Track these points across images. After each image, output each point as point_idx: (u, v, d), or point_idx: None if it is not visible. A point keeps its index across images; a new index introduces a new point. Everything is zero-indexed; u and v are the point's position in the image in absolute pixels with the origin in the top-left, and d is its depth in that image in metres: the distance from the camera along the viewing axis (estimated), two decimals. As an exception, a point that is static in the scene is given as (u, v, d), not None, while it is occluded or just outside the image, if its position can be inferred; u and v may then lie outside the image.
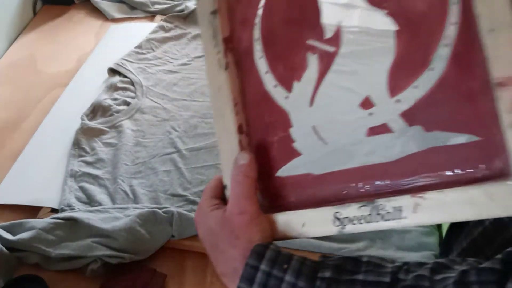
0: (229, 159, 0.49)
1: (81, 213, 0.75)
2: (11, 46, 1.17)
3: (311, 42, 0.48)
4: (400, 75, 0.43)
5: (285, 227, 0.47)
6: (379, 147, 0.44)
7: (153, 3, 1.29)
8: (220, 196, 0.51)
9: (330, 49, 0.47)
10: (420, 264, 0.43)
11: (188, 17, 1.23)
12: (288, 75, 0.49)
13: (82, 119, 0.94)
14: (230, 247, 0.46)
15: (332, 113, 0.47)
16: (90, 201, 0.80)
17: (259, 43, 0.50)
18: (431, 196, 0.40)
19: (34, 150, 0.91)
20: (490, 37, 0.38)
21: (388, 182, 0.44)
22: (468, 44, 0.40)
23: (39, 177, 0.85)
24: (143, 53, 1.12)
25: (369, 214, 0.43)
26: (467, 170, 0.40)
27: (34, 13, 1.28)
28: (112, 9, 1.28)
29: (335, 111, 0.47)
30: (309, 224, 0.46)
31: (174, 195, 0.82)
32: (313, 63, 0.48)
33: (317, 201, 0.47)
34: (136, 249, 0.72)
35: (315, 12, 0.47)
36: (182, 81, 1.06)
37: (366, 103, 0.45)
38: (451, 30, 0.40)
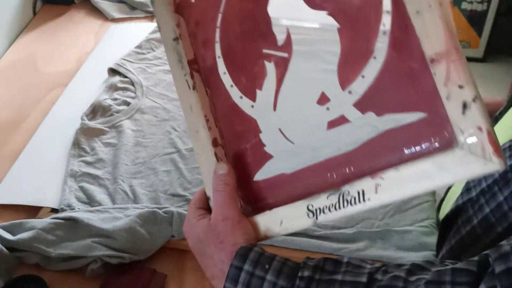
0: (209, 171, 0.53)
1: (81, 213, 0.75)
2: (11, 46, 1.17)
3: (266, 51, 0.51)
4: (348, 68, 0.46)
5: (265, 227, 0.51)
6: (340, 138, 0.47)
7: (153, 3, 1.29)
8: (205, 207, 0.54)
9: (284, 54, 0.50)
10: (398, 266, 0.45)
11: (188, 17, 1.23)
12: (250, 85, 0.52)
13: (82, 119, 0.94)
14: (217, 251, 0.49)
15: (294, 114, 0.50)
16: (90, 201, 0.80)
17: (221, 60, 0.54)
18: (389, 175, 0.43)
19: (34, 150, 0.91)
20: (417, 19, 0.41)
21: (352, 169, 0.47)
22: (402, 28, 0.42)
23: (39, 177, 0.85)
24: (143, 53, 1.12)
25: (337, 202, 0.46)
26: (422, 146, 0.43)
27: (34, 13, 1.28)
28: (112, 9, 1.28)
29: (296, 111, 0.50)
30: (286, 221, 0.50)
31: (174, 195, 0.82)
32: (270, 70, 0.51)
33: (293, 198, 0.50)
34: (136, 249, 0.71)
35: (266, 21, 0.50)
36: (182, 81, 1.05)
37: (322, 99, 0.48)
38: (386, 19, 0.43)
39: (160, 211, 0.75)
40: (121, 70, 1.06)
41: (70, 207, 0.79)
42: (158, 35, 1.16)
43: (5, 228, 0.74)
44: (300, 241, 0.75)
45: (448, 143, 0.41)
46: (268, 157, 0.52)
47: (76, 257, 0.71)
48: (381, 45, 0.44)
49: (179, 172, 0.86)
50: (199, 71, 0.56)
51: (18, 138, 0.94)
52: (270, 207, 0.51)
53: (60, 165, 0.87)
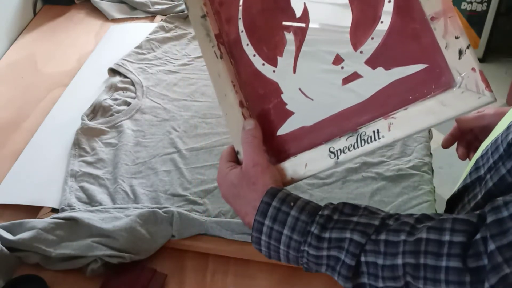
0: (237, 129, 0.61)
1: (82, 213, 0.75)
2: (12, 46, 1.17)
3: (285, 23, 0.60)
4: (359, 32, 0.55)
5: (292, 171, 0.59)
6: (354, 91, 0.56)
7: (153, 4, 1.29)
8: (234, 160, 0.62)
9: (301, 24, 0.59)
10: (410, 215, 0.52)
11: (188, 18, 1.23)
12: (271, 53, 0.61)
13: (82, 119, 0.94)
14: (250, 192, 0.57)
15: (312, 74, 0.59)
16: (90, 201, 0.80)
17: (244, 33, 0.63)
18: (399, 115, 0.52)
19: (34, 150, 0.91)
20: None
21: (367, 114, 0.55)
22: None
23: (40, 177, 0.85)
24: (143, 53, 1.12)
25: (355, 142, 0.55)
26: (426, 90, 0.51)
27: (34, 13, 1.28)
28: (112, 9, 1.28)
29: (314, 72, 0.59)
30: (310, 163, 0.58)
31: (174, 195, 0.82)
32: (290, 39, 0.60)
33: (314, 145, 0.58)
34: (136, 249, 0.72)
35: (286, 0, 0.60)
36: (182, 81, 1.06)
37: (337, 60, 0.57)
38: None
39: (160, 211, 0.75)
40: (121, 70, 1.06)
41: (71, 207, 0.79)
42: (158, 35, 1.17)
43: (5, 228, 0.74)
44: (300, 241, 0.75)
45: (448, 84, 0.49)
46: (289, 113, 0.60)
47: (76, 257, 0.71)
48: (387, 11, 0.53)
49: (179, 172, 0.86)
50: (224, 44, 0.64)
51: (18, 138, 0.94)
52: (294, 154, 0.59)
53: (61, 165, 0.87)
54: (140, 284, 0.70)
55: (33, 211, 0.79)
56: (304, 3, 0.59)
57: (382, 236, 0.50)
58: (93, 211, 0.76)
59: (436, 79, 0.50)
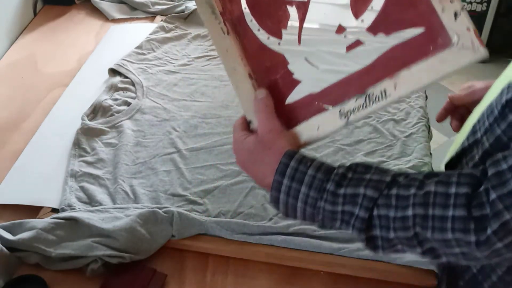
0: (248, 100, 0.63)
1: (82, 213, 0.75)
2: (12, 46, 1.17)
3: None
4: (359, 2, 0.58)
5: (305, 135, 0.62)
6: (358, 57, 0.59)
7: (154, 4, 1.29)
8: (247, 129, 0.65)
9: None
10: (419, 172, 0.56)
11: (188, 18, 1.23)
12: (276, 27, 0.64)
13: (82, 119, 0.94)
14: (267, 155, 0.60)
15: (316, 44, 0.62)
16: (90, 201, 0.80)
17: (247, 10, 0.65)
18: (403, 74, 0.56)
19: (34, 150, 0.91)
20: None
21: (372, 77, 0.58)
22: None
23: (40, 177, 0.85)
24: (143, 54, 1.12)
25: (364, 102, 0.58)
26: (425, 50, 0.55)
27: (35, 14, 1.28)
28: (112, 10, 1.28)
29: (318, 42, 0.62)
30: (322, 126, 0.61)
31: (174, 195, 0.82)
32: (293, 12, 0.63)
33: (324, 109, 0.61)
34: (137, 249, 0.72)
35: None
36: (182, 81, 1.06)
37: (340, 29, 0.60)
38: None
39: (160, 211, 0.75)
40: (121, 70, 1.06)
41: (71, 207, 0.79)
42: (158, 35, 1.17)
43: (5, 228, 0.74)
44: (300, 241, 0.75)
45: (445, 44, 0.53)
46: (296, 82, 0.63)
47: (76, 257, 0.71)
48: None
49: (179, 172, 0.86)
50: (228, 21, 0.66)
51: (18, 138, 0.94)
52: (305, 120, 0.62)
53: (61, 165, 0.87)
54: (140, 284, 0.70)
55: (33, 211, 0.79)
56: None
57: (394, 191, 0.54)
58: (93, 211, 0.76)
59: (434, 40, 0.54)
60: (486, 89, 0.74)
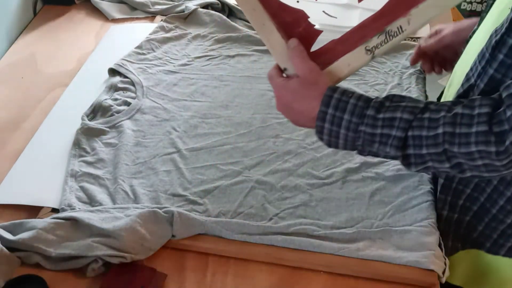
0: (280, 49, 0.70)
1: (82, 213, 0.75)
2: (12, 46, 1.17)
3: None
4: None
5: (338, 72, 0.70)
6: (371, 4, 0.71)
7: (154, 4, 1.29)
8: (282, 77, 0.72)
9: None
10: (447, 101, 0.65)
11: (188, 18, 1.23)
12: None
13: (82, 119, 0.94)
14: (312, 91, 0.68)
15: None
16: (90, 201, 0.80)
17: None
18: (414, 11, 0.66)
19: (34, 150, 0.91)
20: None
21: (387, 18, 0.67)
22: None
23: (40, 177, 0.85)
24: (143, 54, 1.12)
25: (385, 38, 0.68)
26: None
27: (35, 13, 1.28)
28: (112, 10, 1.28)
29: None
30: (352, 63, 0.70)
31: (174, 195, 0.82)
32: None
33: (350, 49, 0.70)
34: (137, 249, 0.72)
35: None
36: (182, 81, 1.06)
37: None
38: None
39: (160, 211, 0.75)
40: (121, 70, 1.06)
41: (71, 207, 0.79)
42: (158, 35, 1.17)
43: (5, 228, 0.74)
44: (300, 241, 0.75)
45: None
46: (318, 32, 0.71)
47: (76, 257, 0.71)
48: None
49: (179, 172, 0.86)
50: None
51: (18, 138, 0.94)
52: (335, 60, 0.70)
53: (61, 165, 0.87)
54: (140, 284, 0.70)
55: (33, 211, 0.79)
56: None
57: (426, 115, 0.63)
58: (93, 211, 0.76)
59: None
60: (454, 34, 0.91)
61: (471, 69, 0.69)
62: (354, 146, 0.67)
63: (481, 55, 0.67)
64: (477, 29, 0.80)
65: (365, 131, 0.65)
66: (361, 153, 0.69)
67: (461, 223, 0.78)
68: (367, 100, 0.66)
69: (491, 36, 0.65)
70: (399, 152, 0.64)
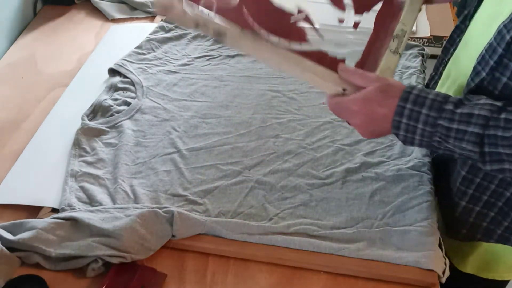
0: (330, 77, 0.73)
1: (82, 213, 0.75)
2: (12, 46, 1.17)
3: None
4: (337, 2, 0.82)
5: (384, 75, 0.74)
6: (365, 26, 0.81)
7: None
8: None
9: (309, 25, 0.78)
10: None
11: (188, 18, 1.23)
12: (301, 37, 0.77)
13: (82, 119, 0.94)
14: (389, 92, 0.68)
15: (334, 36, 0.87)
16: (90, 201, 0.80)
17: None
18: (401, 16, 0.79)
19: (34, 150, 0.91)
20: None
21: (387, 31, 0.79)
22: None
23: (40, 177, 0.85)
24: (143, 54, 1.12)
25: (397, 39, 0.78)
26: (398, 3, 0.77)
27: (35, 14, 1.28)
28: (112, 10, 1.28)
29: (334, 33, 0.88)
30: (390, 65, 0.75)
31: (174, 195, 0.82)
32: (304, 24, 0.78)
33: (380, 57, 0.77)
34: (137, 249, 0.72)
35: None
36: (182, 81, 1.06)
37: (340, 21, 0.82)
38: None
39: (160, 211, 0.75)
40: (121, 70, 1.06)
41: (71, 207, 0.79)
42: (158, 35, 1.17)
43: (5, 228, 0.74)
44: (300, 241, 0.75)
45: None
46: (342, 61, 0.75)
47: (76, 257, 0.71)
48: None
49: (179, 172, 0.86)
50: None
51: (18, 138, 0.94)
52: (377, 67, 0.76)
53: (61, 165, 0.87)
54: (140, 284, 0.70)
55: (33, 211, 0.79)
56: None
57: (503, 115, 0.63)
58: (93, 211, 0.76)
59: None
60: None
61: (479, 63, 0.70)
62: (430, 142, 0.67)
63: (492, 50, 0.67)
64: (470, 18, 0.82)
65: (442, 125, 0.65)
66: (436, 150, 0.69)
67: (486, 217, 0.78)
68: (446, 96, 0.66)
69: (500, 30, 0.66)
70: (476, 148, 0.64)
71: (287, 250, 0.74)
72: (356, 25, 0.83)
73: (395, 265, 0.72)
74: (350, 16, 0.84)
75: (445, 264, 0.73)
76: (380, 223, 0.78)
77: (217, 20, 0.76)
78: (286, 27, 0.79)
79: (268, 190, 0.83)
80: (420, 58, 1.12)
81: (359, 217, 0.79)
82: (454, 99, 0.66)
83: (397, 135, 0.69)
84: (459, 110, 0.65)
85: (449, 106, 0.65)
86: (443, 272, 0.72)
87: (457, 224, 0.80)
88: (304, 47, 0.77)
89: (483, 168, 0.66)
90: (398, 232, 0.76)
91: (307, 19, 0.81)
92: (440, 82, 0.90)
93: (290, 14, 0.80)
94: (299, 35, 0.79)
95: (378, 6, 0.85)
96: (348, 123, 0.75)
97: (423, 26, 1.33)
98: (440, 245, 0.74)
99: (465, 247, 0.83)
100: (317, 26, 0.79)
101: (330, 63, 0.77)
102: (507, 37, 0.65)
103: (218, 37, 0.76)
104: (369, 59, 0.79)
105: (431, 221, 0.77)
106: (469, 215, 0.79)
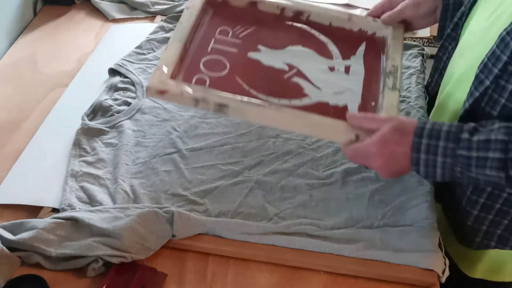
0: (340, 127, 0.74)
1: (82, 213, 0.75)
2: (12, 46, 1.17)
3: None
4: (324, 51, 0.88)
5: (390, 113, 0.76)
6: (355, 70, 0.86)
7: (154, 4, 1.29)
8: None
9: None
10: None
11: (188, 18, 1.23)
12: (300, 94, 0.82)
13: (82, 119, 0.94)
14: (403, 131, 0.69)
15: (329, 87, 0.83)
16: (91, 201, 0.81)
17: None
18: (387, 51, 0.87)
19: (34, 150, 0.91)
20: None
21: (377, 67, 0.87)
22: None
23: (40, 177, 0.85)
24: (143, 54, 1.12)
25: (391, 75, 0.82)
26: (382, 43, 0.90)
27: (35, 13, 1.28)
28: (112, 10, 1.28)
29: (329, 81, 0.83)
30: (393, 102, 0.78)
31: (174, 195, 0.82)
32: (302, 83, 0.83)
33: (378, 93, 0.82)
34: (137, 249, 0.72)
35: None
36: (182, 81, 1.06)
37: (331, 69, 0.85)
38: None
39: (160, 211, 0.75)
40: (121, 70, 1.06)
41: (71, 207, 0.79)
42: (158, 35, 1.17)
43: (5, 228, 0.74)
44: (299, 241, 0.75)
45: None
46: (345, 108, 0.79)
47: (76, 256, 0.71)
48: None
49: (179, 172, 0.86)
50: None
51: (18, 138, 0.94)
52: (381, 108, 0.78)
53: (61, 165, 0.87)
54: (140, 284, 0.70)
55: (34, 211, 0.80)
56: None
57: None
58: (94, 211, 0.76)
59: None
60: (414, 7, 0.90)
61: (481, 71, 0.69)
62: (453, 174, 0.67)
63: (495, 58, 0.67)
64: (462, 26, 0.82)
65: (462, 155, 0.65)
66: (460, 180, 0.68)
67: (499, 225, 0.77)
68: (459, 126, 0.66)
69: (503, 38, 0.66)
70: (501, 173, 0.64)
71: (287, 250, 0.74)
72: (347, 69, 0.85)
73: (395, 265, 0.72)
74: (339, 63, 0.86)
75: (445, 264, 0.73)
76: (380, 223, 0.78)
77: (215, 93, 0.74)
78: (281, 85, 0.81)
79: (268, 190, 0.83)
80: (420, 58, 1.12)
81: (359, 217, 0.79)
82: (468, 127, 0.66)
83: (417, 171, 0.69)
84: (475, 138, 0.64)
85: (465, 135, 0.65)
86: (443, 272, 0.72)
87: (470, 233, 0.79)
88: (305, 101, 0.79)
89: None
90: (398, 232, 0.76)
91: (299, 73, 0.83)
92: (438, 93, 0.90)
93: (282, 71, 0.83)
94: (297, 91, 0.80)
95: (363, 47, 0.88)
96: (366, 167, 0.76)
97: (423, 26, 1.33)
98: (440, 245, 0.74)
99: (474, 253, 0.82)
100: (310, 78, 0.82)
101: (335, 112, 0.78)
102: (511, 47, 0.64)
103: (220, 110, 0.74)
104: (369, 98, 0.80)
105: (431, 221, 0.77)
106: (482, 223, 0.78)
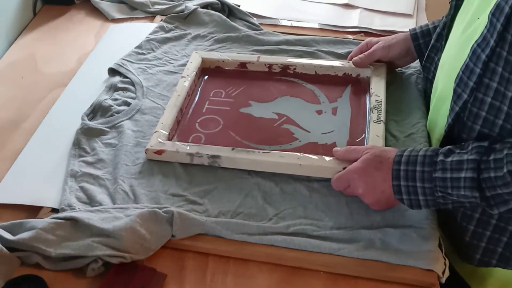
0: (327, 164, 0.81)
1: (82, 213, 0.75)
2: (11, 46, 1.17)
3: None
4: (312, 99, 0.98)
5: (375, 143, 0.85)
6: (342, 110, 0.94)
7: (153, 4, 1.29)
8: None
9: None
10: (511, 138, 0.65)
11: (188, 18, 1.23)
12: (290, 140, 0.90)
13: (82, 119, 0.94)
14: (383, 159, 0.72)
15: (318, 126, 0.92)
16: (90, 201, 0.80)
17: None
18: (371, 89, 0.96)
19: (34, 150, 0.91)
20: None
21: (363, 106, 0.95)
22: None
23: (39, 177, 0.85)
24: (143, 54, 1.12)
25: (376, 109, 0.90)
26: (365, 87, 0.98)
27: (34, 13, 1.28)
28: (112, 10, 1.28)
29: (318, 123, 0.92)
30: (378, 133, 0.86)
31: (174, 195, 0.82)
32: (293, 128, 0.92)
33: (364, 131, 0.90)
34: (137, 249, 0.72)
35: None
36: (182, 81, 1.06)
37: (319, 112, 0.94)
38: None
39: (160, 211, 0.75)
40: (121, 70, 1.06)
41: (71, 207, 0.79)
42: (158, 35, 1.17)
43: (5, 228, 0.74)
44: (299, 241, 0.75)
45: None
46: (334, 145, 0.87)
47: (76, 256, 0.71)
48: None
49: (179, 172, 0.86)
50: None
51: (18, 138, 0.94)
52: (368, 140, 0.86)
53: (61, 165, 0.87)
54: (140, 284, 0.70)
55: (33, 211, 0.79)
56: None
57: (491, 157, 0.63)
58: (93, 211, 0.76)
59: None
60: (384, 50, 0.97)
61: (458, 85, 0.70)
62: (436, 199, 0.68)
63: (469, 71, 0.67)
64: (446, 35, 0.83)
65: (438, 177, 0.66)
66: (445, 206, 0.70)
67: (499, 242, 0.76)
68: (435, 149, 0.69)
69: (474, 50, 0.66)
70: (476, 192, 0.64)
71: (287, 250, 0.74)
72: (334, 110, 0.92)
73: (395, 265, 0.72)
74: (326, 106, 0.94)
75: (445, 264, 0.73)
76: (380, 223, 0.78)
77: (207, 147, 0.84)
78: (272, 133, 0.88)
79: (268, 191, 0.83)
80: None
81: (359, 217, 0.79)
82: (443, 150, 0.68)
83: (401, 200, 0.71)
84: (449, 159, 0.66)
85: (440, 157, 0.67)
86: (443, 272, 0.72)
87: (469, 249, 0.79)
88: (295, 144, 0.86)
89: (493, 212, 0.66)
90: (398, 233, 0.76)
91: (289, 120, 0.90)
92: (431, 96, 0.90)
93: (272, 120, 0.90)
94: (287, 136, 0.87)
95: (348, 89, 0.97)
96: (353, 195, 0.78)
97: (422, 26, 1.33)
98: (440, 245, 0.74)
99: (480, 271, 0.81)
100: (299, 123, 0.89)
101: (323, 150, 0.84)
102: (483, 56, 0.65)
103: (214, 161, 0.83)
104: (357, 134, 0.88)
105: (431, 221, 0.77)
106: (481, 240, 0.77)
